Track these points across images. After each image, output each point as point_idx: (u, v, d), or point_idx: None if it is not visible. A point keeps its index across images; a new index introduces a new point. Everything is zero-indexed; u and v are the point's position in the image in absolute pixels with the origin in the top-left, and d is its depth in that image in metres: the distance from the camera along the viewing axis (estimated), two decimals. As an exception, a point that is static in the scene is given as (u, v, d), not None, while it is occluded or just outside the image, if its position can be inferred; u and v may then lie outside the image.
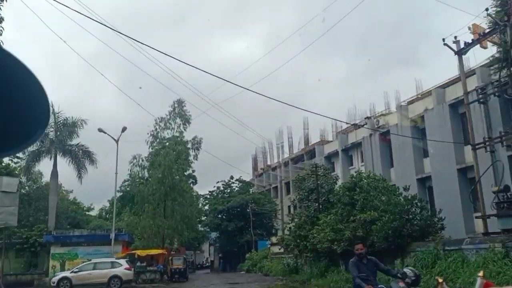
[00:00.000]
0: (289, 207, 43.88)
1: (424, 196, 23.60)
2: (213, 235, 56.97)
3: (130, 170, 36.70)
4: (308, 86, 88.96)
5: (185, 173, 39.14)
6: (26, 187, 44.93)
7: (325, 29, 68.97)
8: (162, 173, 33.73)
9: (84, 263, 27.91)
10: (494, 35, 18.19)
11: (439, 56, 79.32)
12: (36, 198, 42.82)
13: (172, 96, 46.95)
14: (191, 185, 44.87)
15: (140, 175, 37.66)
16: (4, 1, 12.27)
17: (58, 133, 36.80)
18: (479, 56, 22.44)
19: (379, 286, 7.67)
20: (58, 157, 36.83)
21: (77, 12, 11.98)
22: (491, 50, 19.78)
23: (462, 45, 18.22)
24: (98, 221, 53.93)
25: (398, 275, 7.75)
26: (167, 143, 35.79)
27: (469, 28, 18.54)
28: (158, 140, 36.23)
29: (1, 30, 12.22)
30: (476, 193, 19.52)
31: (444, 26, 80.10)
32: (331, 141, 41.50)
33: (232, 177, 53.71)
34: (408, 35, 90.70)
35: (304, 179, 29.70)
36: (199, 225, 52.15)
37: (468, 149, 23.07)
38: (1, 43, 11.30)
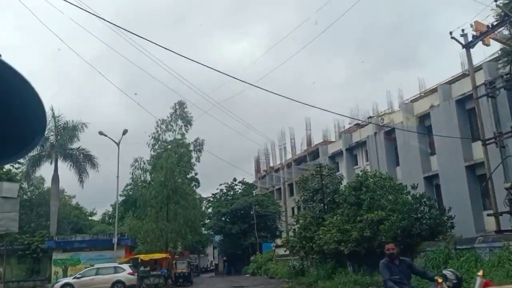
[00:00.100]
0: (292, 208, 43.46)
1: (432, 195, 23.07)
2: (217, 238, 56.48)
3: (132, 173, 36.30)
4: (309, 87, 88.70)
5: (188, 176, 38.74)
6: (28, 193, 44.66)
7: (325, 29, 68.51)
8: (164, 176, 33.32)
9: (87, 269, 27.54)
10: (500, 30, 17.84)
11: (439, 56, 78.78)
12: (37, 203, 42.51)
13: (174, 98, 46.56)
14: (194, 188, 44.51)
15: (142, 178, 37.29)
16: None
17: (59, 137, 36.49)
18: (480, 55, 22.08)
19: None
20: (59, 162, 36.56)
21: (83, 9, 11.58)
22: (493, 48, 19.50)
23: (467, 41, 17.84)
24: (101, 226, 53.50)
25: (436, 278, 7.05)
26: (169, 146, 35.39)
27: (471, 26, 18.13)
28: (159, 142, 35.84)
29: None
30: (487, 190, 19.06)
31: (444, 26, 79.84)
32: (334, 141, 41.06)
33: (235, 179, 53.36)
34: (408, 35, 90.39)
35: (308, 180, 29.25)
36: (203, 228, 51.72)
37: (476, 145, 22.62)
38: None
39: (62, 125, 36.92)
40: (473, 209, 22.37)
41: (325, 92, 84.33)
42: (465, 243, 16.11)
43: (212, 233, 55.03)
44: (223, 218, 49.47)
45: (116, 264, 27.43)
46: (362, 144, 33.84)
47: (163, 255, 31.74)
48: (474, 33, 17.84)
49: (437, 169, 25.44)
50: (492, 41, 18.67)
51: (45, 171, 39.54)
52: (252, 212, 46.29)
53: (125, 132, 32.05)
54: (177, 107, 36.00)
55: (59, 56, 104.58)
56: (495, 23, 16.48)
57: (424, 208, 19.15)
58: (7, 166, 35.28)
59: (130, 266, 27.52)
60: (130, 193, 51.13)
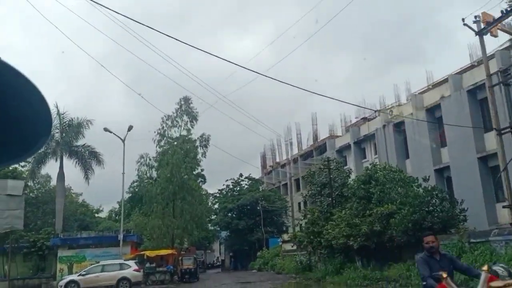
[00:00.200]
0: (299, 204, 43.01)
1: (443, 187, 22.49)
2: (224, 234, 56.18)
3: (138, 170, 36.01)
4: (314, 84, 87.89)
5: (194, 172, 38.39)
6: (35, 191, 44.56)
7: (327, 25, 67.98)
8: (170, 172, 33.00)
9: (92, 266, 27.25)
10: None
11: (445, 50, 77.71)
12: (44, 201, 42.36)
13: (179, 95, 46.18)
14: (200, 184, 44.12)
15: (148, 174, 37.00)
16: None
17: (64, 134, 36.19)
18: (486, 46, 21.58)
19: None
20: (64, 159, 36.26)
21: (93, 1, 11.15)
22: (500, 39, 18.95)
23: (479, 28, 17.22)
24: (107, 223, 53.39)
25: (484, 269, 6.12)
26: (175, 143, 35.03)
27: (476, 17, 17.50)
28: (165, 138, 35.49)
29: None
30: (500, 181, 18.47)
31: (449, 20, 78.81)
32: (340, 136, 40.49)
33: (241, 175, 52.95)
34: (413, 30, 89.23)
35: (315, 174, 28.76)
36: (209, 224, 51.42)
37: (488, 136, 22.00)
38: None
39: (67, 122, 36.64)
40: (486, 202, 21.79)
41: (331, 88, 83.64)
42: (479, 236, 15.60)
43: (219, 228, 54.73)
44: (229, 214, 49.14)
45: (121, 261, 27.11)
46: (370, 137, 33.27)
47: (169, 251, 31.45)
48: (482, 24, 17.28)
49: (448, 161, 24.84)
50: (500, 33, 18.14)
51: (52, 169, 39.42)
52: (258, 208, 45.88)
53: (130, 128, 31.78)
54: (182, 102, 35.61)
55: (64, 54, 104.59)
56: (509, 9, 15.83)
57: (435, 201, 18.62)
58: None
59: (135, 263, 27.22)
60: (137, 190, 50.93)
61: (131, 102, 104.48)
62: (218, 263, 63.72)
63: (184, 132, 35.60)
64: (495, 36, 18.38)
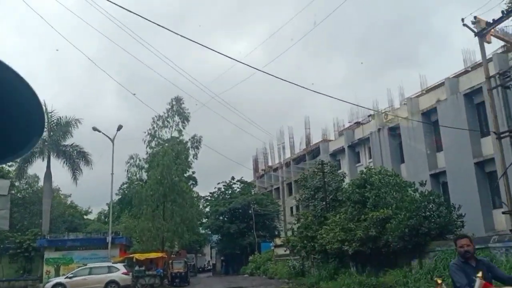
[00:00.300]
0: (291, 208, 42.58)
1: (439, 193, 22.21)
2: (215, 237, 55.49)
3: (127, 171, 35.32)
4: (311, 86, 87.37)
5: (185, 175, 37.79)
6: (22, 191, 43.74)
7: (322, 29, 67.82)
8: (160, 174, 32.38)
9: (80, 268, 26.66)
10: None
11: (439, 55, 78.09)
12: (31, 202, 41.59)
13: (173, 95, 45.62)
14: (191, 186, 43.47)
15: (138, 176, 36.32)
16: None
17: (52, 133, 35.46)
18: (478, 53, 21.34)
19: None
20: (52, 159, 35.57)
21: None
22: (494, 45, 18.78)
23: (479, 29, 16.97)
24: (96, 224, 52.64)
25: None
26: (166, 144, 34.43)
27: (473, 20, 17.28)
28: (156, 139, 34.87)
29: None
30: (497, 187, 18.18)
31: (443, 25, 79.18)
32: (333, 140, 40.16)
33: (233, 178, 52.38)
34: (407, 34, 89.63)
35: (309, 177, 28.32)
36: (200, 228, 50.76)
37: (485, 141, 21.76)
38: None
39: (55, 121, 35.95)
40: (482, 207, 21.50)
41: (325, 91, 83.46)
42: (478, 242, 15.10)
43: (210, 232, 54.03)
44: (221, 217, 48.52)
45: (109, 264, 26.56)
46: (365, 141, 32.95)
47: (159, 255, 30.82)
48: (476, 29, 17.07)
49: (444, 166, 24.55)
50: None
51: (40, 169, 38.66)
52: (250, 211, 45.33)
53: (120, 127, 31.21)
54: (174, 103, 35.10)
55: (56, 54, 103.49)
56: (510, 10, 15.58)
57: (432, 206, 18.25)
58: (-1, 163, 34.32)
59: (124, 266, 26.66)
60: (126, 191, 50.21)
61: (124, 102, 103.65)
62: (209, 267, 63.00)
63: (176, 133, 35.11)
64: (489, 42, 18.21)
